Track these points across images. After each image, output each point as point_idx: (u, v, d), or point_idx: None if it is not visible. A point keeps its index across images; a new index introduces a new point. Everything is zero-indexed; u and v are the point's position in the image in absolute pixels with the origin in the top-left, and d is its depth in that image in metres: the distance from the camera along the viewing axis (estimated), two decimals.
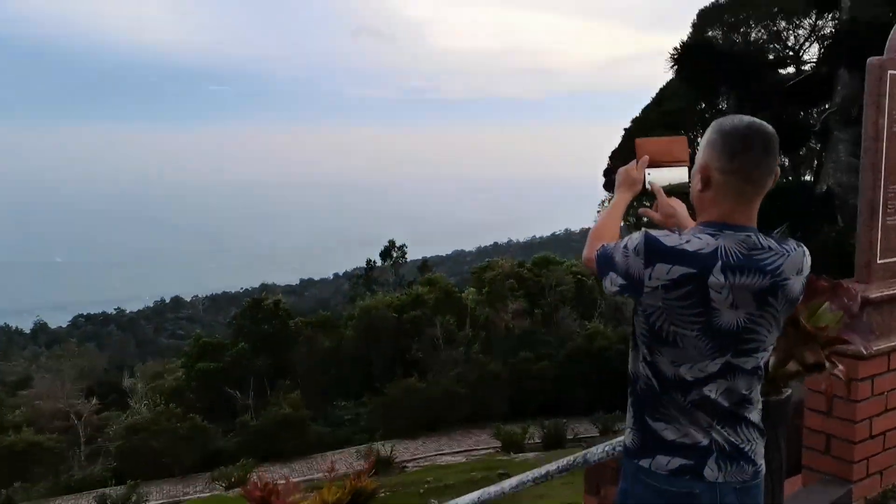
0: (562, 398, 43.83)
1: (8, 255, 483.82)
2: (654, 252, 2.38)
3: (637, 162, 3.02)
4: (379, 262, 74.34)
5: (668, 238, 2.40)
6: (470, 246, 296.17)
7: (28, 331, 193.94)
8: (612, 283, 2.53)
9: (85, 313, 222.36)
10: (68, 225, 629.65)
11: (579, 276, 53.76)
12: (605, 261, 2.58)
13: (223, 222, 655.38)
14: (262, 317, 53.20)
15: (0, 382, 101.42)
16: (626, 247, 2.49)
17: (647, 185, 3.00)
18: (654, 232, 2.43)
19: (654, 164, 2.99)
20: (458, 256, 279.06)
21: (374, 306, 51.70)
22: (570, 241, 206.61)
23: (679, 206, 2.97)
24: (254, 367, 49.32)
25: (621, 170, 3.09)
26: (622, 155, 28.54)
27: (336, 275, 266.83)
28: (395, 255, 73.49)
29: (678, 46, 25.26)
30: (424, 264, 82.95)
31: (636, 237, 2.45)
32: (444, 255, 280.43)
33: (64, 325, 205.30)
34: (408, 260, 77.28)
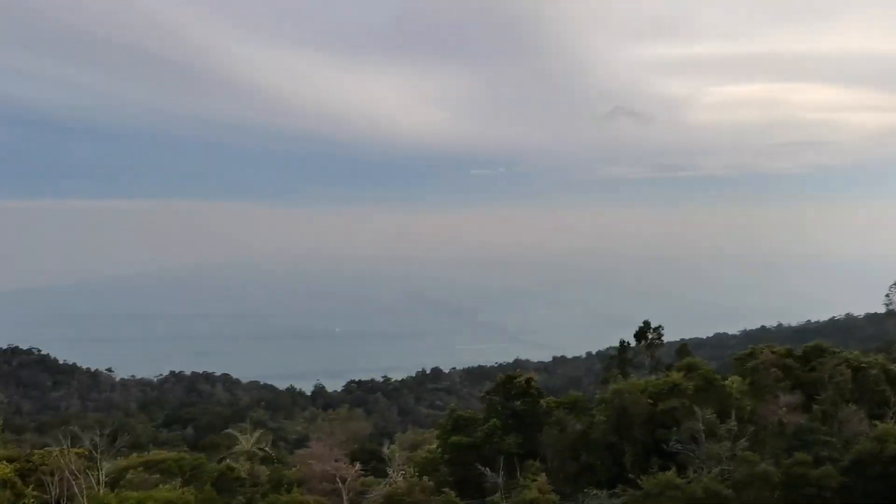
0: None
1: (296, 326, 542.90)
2: None
3: None
4: (633, 343, 71.53)
5: None
6: (734, 329, 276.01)
7: (309, 393, 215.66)
8: None
9: (357, 379, 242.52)
10: (347, 300, 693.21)
11: (861, 367, 47.45)
12: None
13: (480, 297, 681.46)
14: (514, 393, 53.31)
15: (283, 440, 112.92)
16: None
17: None
18: None
19: None
20: (720, 340, 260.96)
21: (626, 390, 49.47)
22: (853, 328, 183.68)
23: None
24: (504, 445, 49.19)
25: None
26: None
27: (589, 353, 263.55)
28: (650, 336, 70.30)
29: None
30: (683, 347, 78.32)
31: None
32: (704, 337, 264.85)
33: (339, 390, 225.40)
34: (664, 341, 73.45)
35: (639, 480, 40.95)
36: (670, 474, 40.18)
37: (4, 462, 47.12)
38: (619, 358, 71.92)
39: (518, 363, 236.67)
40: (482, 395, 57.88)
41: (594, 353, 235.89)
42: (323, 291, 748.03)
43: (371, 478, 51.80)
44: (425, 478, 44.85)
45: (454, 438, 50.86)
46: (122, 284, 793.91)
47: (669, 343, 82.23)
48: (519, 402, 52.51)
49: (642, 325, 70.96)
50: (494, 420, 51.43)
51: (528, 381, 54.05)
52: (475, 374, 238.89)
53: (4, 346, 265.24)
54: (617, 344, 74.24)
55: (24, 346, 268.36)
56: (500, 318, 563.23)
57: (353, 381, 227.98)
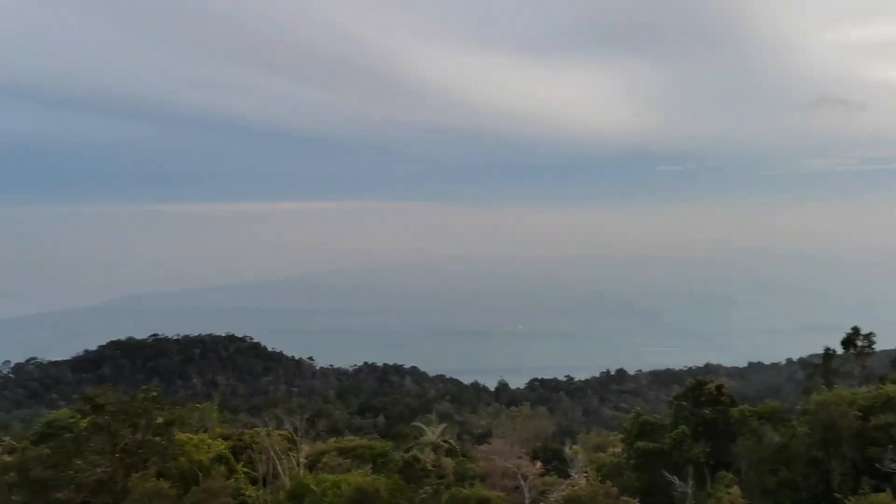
0: None
1: (480, 324, 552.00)
2: None
3: None
4: (840, 351, 65.32)
5: None
6: None
7: (492, 389, 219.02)
8: None
9: (539, 378, 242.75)
10: (529, 299, 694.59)
11: None
12: None
13: (666, 298, 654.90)
14: (704, 400, 50.67)
15: (468, 433, 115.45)
16: None
17: None
18: None
19: None
20: None
21: (832, 402, 45.24)
22: None
23: None
24: (693, 454, 46.94)
25: None
26: None
27: (789, 360, 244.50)
28: (860, 343, 63.79)
29: None
30: None
31: None
32: None
33: (521, 387, 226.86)
34: (875, 350, 66.32)
35: (846, 501, 37.37)
36: (885, 496, 36.28)
37: (220, 439, 52.24)
38: (823, 366, 66.06)
39: (709, 368, 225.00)
40: (670, 399, 55.52)
41: (795, 360, 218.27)
42: (505, 290, 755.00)
43: (552, 477, 51.54)
44: (608, 482, 43.85)
45: (640, 443, 49.27)
46: (314, 282, 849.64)
47: (883, 351, 74.34)
48: (709, 410, 49.82)
49: (851, 331, 64.58)
50: (683, 427, 49.20)
51: (720, 387, 51.14)
52: (662, 377, 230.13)
53: (223, 334, 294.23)
54: (820, 351, 68.24)
55: (239, 335, 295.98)
56: (689, 320, 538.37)
57: (536, 379, 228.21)
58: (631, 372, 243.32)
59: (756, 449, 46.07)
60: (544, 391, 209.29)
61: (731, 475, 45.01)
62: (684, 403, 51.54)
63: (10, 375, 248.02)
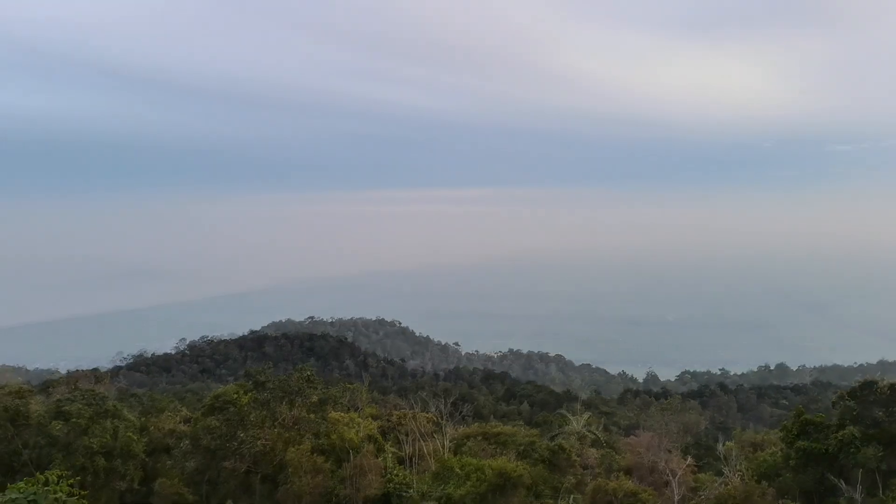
0: None
1: (629, 313, 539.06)
2: None
3: None
4: None
5: None
6: None
7: (641, 380, 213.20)
8: None
9: (691, 370, 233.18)
10: (680, 287, 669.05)
11: None
12: None
13: (840, 290, 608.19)
14: (875, 400, 46.53)
15: (614, 425, 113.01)
16: None
17: None
18: None
19: None
20: None
21: None
22: None
23: None
24: (862, 458, 43.27)
25: None
26: None
27: None
28: None
29: None
30: None
31: None
32: None
33: (672, 379, 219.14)
34: None
35: None
36: None
37: (370, 419, 54.24)
38: None
39: (882, 365, 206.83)
40: (835, 398, 51.48)
41: None
42: (655, 278, 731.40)
43: (704, 475, 49.37)
44: (765, 483, 41.39)
45: (802, 443, 46.06)
46: (465, 269, 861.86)
47: None
48: (881, 412, 45.69)
49: None
50: (851, 428, 45.44)
51: (893, 387, 46.75)
52: (828, 374, 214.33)
53: (373, 318, 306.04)
54: None
55: (388, 319, 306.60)
56: (860, 314, 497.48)
57: (687, 372, 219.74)
58: (793, 367, 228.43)
59: None
60: (696, 384, 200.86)
61: None
62: (852, 403, 47.56)
63: (186, 352, 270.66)
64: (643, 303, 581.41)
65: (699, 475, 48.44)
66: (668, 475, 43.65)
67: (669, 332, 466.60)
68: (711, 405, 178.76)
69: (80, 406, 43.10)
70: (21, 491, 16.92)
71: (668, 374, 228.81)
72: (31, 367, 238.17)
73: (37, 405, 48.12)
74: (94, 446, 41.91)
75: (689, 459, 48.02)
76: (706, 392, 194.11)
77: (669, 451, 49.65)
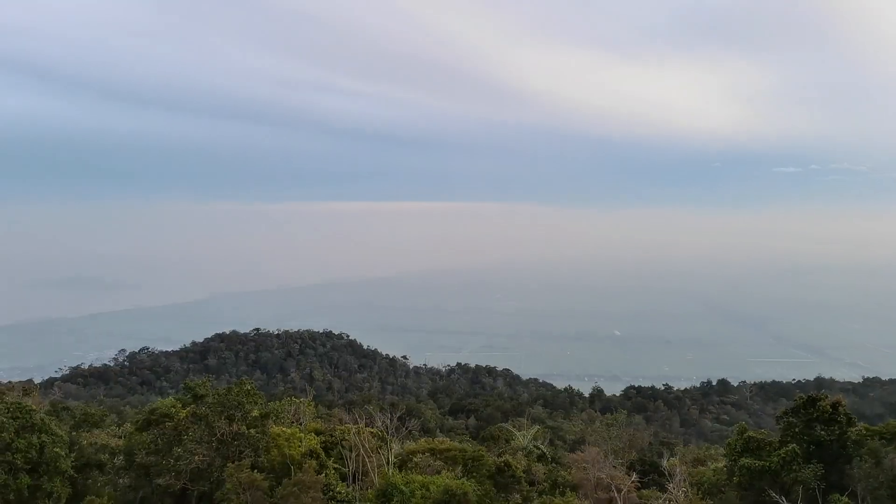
0: None
1: (576, 327, 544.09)
2: None
3: None
4: None
5: None
6: None
7: (587, 394, 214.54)
8: None
9: (636, 385, 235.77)
10: (628, 302, 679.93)
11: None
12: None
13: (774, 307, 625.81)
14: (817, 417, 47.24)
15: (560, 440, 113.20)
16: None
17: None
18: None
19: None
20: None
21: None
22: None
23: None
24: (803, 475, 43.79)
25: None
26: None
27: None
28: None
29: None
30: None
31: None
32: None
33: (617, 394, 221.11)
34: None
35: None
36: None
37: (313, 434, 52.83)
38: None
39: (820, 382, 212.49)
40: (778, 415, 52.14)
41: None
42: (603, 294, 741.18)
43: (648, 490, 49.36)
44: (708, 499, 41.49)
45: (745, 460, 46.41)
46: (417, 281, 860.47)
47: None
48: (822, 429, 46.36)
49: None
50: (793, 445, 45.99)
51: (836, 405, 47.52)
52: (769, 390, 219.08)
53: (321, 331, 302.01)
54: None
55: (336, 331, 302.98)
56: (800, 332, 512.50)
57: (632, 387, 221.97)
58: (734, 383, 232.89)
59: (875, 472, 42.48)
60: (641, 399, 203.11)
61: (845, 500, 41.72)
62: (794, 420, 48.21)
63: (125, 363, 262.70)
64: (592, 318, 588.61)
65: (643, 491, 48.40)
66: (612, 491, 43.45)
67: (616, 348, 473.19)
68: (655, 420, 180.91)
69: (4, 419, 40.80)
70: None
71: (613, 389, 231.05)
72: None
73: None
74: (18, 462, 39.70)
75: (634, 475, 47.95)
76: (650, 407, 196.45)
77: (614, 467, 49.53)
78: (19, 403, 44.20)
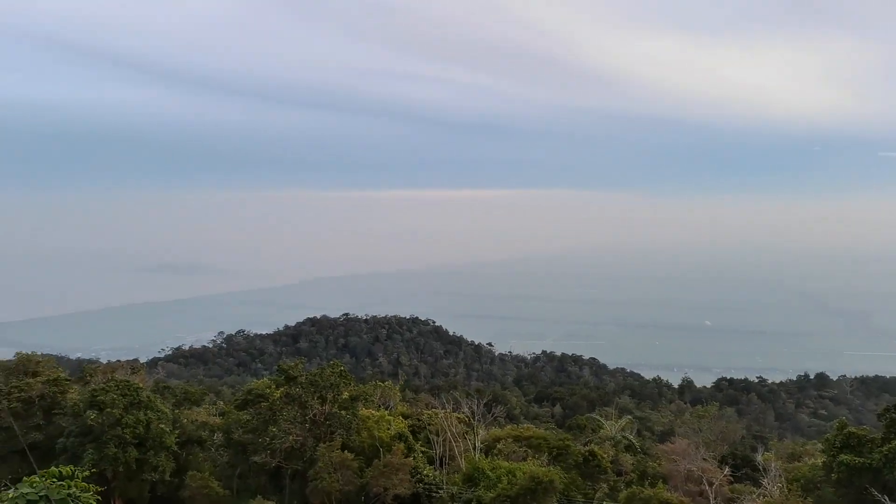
0: None
1: (665, 317, 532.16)
2: None
3: None
4: None
5: None
6: None
7: (676, 386, 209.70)
8: None
9: (728, 377, 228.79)
10: (718, 292, 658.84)
11: None
12: None
13: (877, 300, 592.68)
14: None
15: (648, 430, 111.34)
16: None
17: None
18: None
19: None
20: None
21: None
22: None
23: None
24: None
25: None
26: None
27: None
28: None
29: None
30: None
31: None
32: None
33: (707, 386, 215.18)
34: None
35: None
36: None
37: (401, 417, 53.92)
38: None
39: None
40: (881, 411, 49.70)
41: None
42: (690, 283, 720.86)
43: (741, 485, 48.06)
44: (807, 496, 40.06)
45: (845, 457, 44.52)
46: (502, 268, 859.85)
47: None
48: None
49: None
50: None
51: None
52: (871, 385, 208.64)
53: (407, 317, 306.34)
54: None
55: (422, 318, 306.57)
56: None
57: (724, 379, 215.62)
58: (833, 377, 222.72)
59: None
60: (733, 392, 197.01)
61: None
62: None
63: (223, 345, 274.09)
64: (680, 308, 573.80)
65: (736, 485, 47.16)
66: (704, 484, 42.55)
67: (706, 339, 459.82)
68: (748, 413, 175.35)
69: (115, 396, 43.47)
70: (33, 485, 16.71)
71: (704, 381, 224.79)
72: (72, 356, 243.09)
73: (73, 394, 48.74)
74: (127, 437, 42.26)
75: (727, 469, 46.79)
76: (743, 400, 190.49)
77: (705, 460, 48.45)
78: (128, 381, 46.99)
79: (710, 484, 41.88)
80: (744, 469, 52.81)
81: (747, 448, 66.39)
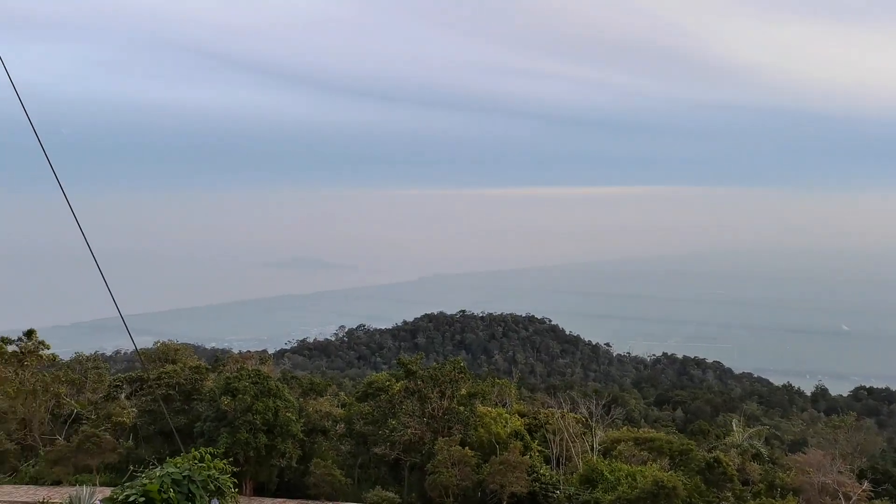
0: None
1: (796, 320, 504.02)
2: None
3: None
4: None
5: None
6: None
7: (808, 393, 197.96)
8: None
9: (867, 386, 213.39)
10: (858, 295, 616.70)
11: None
12: None
13: None
14: None
15: (777, 439, 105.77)
16: None
17: None
18: None
19: None
20: None
21: None
22: None
23: None
24: None
25: None
26: None
27: None
28: None
29: None
30: None
31: None
32: None
33: (844, 395, 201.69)
34: None
35: None
36: None
37: (517, 415, 53.94)
38: None
39: None
40: None
41: None
42: (826, 285, 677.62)
43: (881, 501, 44.85)
44: None
45: None
46: (616, 267, 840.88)
47: None
48: None
49: None
50: None
51: None
52: None
53: (523, 314, 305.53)
54: None
55: (539, 316, 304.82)
56: None
57: (862, 387, 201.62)
58: None
59: None
60: (873, 402, 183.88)
61: None
62: None
63: (344, 339, 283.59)
64: (815, 311, 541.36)
65: (875, 501, 44.08)
66: (840, 498, 40.04)
67: (843, 344, 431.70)
68: (890, 425, 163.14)
69: (247, 384, 45.91)
70: (177, 465, 18.12)
71: (840, 389, 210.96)
72: (207, 346, 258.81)
73: (210, 381, 51.91)
74: (257, 423, 44.53)
75: (867, 484, 43.80)
76: (884, 411, 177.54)
77: (841, 472, 45.56)
78: (258, 371, 49.52)
79: (848, 498, 39.35)
80: (885, 484, 49.26)
81: (889, 462, 61.92)
